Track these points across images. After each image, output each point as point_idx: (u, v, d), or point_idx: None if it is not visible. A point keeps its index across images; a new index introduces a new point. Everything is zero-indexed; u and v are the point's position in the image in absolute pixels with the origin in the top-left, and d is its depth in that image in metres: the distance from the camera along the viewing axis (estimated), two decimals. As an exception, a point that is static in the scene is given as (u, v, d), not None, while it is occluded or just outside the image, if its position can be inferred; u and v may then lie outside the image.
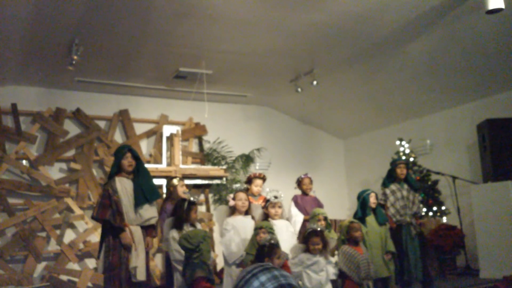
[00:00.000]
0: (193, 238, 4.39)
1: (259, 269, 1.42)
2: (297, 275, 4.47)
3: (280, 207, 5.12)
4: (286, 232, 5.11)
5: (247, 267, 1.50)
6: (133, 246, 4.47)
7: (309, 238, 4.59)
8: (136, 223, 4.60)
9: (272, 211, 5.07)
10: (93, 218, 4.62)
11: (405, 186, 5.97)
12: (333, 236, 5.38)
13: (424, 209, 7.40)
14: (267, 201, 5.19)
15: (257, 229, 4.64)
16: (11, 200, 6.66)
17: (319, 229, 4.66)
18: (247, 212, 5.08)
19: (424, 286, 5.82)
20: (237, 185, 5.29)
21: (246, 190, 5.31)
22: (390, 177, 6.07)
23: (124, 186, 4.60)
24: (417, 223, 5.93)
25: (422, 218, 6.00)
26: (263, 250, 4.21)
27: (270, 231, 4.62)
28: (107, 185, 4.63)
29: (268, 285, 1.37)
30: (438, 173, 7.37)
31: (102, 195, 4.62)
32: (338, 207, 8.43)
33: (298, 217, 5.79)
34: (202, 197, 7.97)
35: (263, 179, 6.11)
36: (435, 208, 7.52)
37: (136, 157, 4.74)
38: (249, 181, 5.92)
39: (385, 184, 6.11)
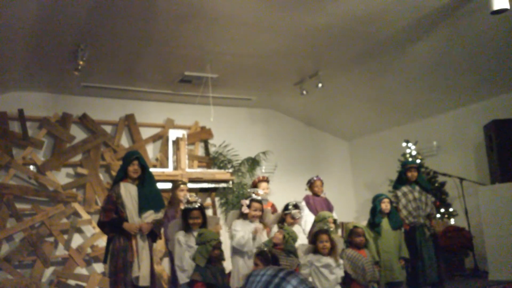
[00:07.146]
0: (207, 236, 4.43)
1: (285, 272, 1.38)
2: (306, 276, 4.46)
3: (299, 218, 5.38)
4: (300, 237, 5.21)
5: (261, 269, 1.42)
6: (135, 254, 4.47)
7: (317, 237, 4.66)
8: None
9: (290, 221, 5.26)
10: (99, 224, 4.63)
11: (417, 187, 5.95)
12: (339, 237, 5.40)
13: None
14: (285, 208, 5.31)
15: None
16: (19, 206, 6.69)
17: (325, 227, 4.76)
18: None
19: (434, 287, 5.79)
20: (257, 191, 5.28)
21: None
22: (401, 180, 6.05)
23: (128, 191, 4.61)
24: (431, 224, 5.91)
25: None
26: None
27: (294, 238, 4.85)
28: (111, 190, 4.67)
29: None
30: (445, 174, 7.31)
31: (105, 200, 4.68)
32: (344, 209, 8.37)
33: (309, 217, 5.78)
34: (208, 200, 7.98)
35: (267, 181, 6.15)
36: (442, 210, 7.48)
37: (143, 166, 4.73)
38: (255, 186, 5.93)
39: (396, 187, 6.09)
